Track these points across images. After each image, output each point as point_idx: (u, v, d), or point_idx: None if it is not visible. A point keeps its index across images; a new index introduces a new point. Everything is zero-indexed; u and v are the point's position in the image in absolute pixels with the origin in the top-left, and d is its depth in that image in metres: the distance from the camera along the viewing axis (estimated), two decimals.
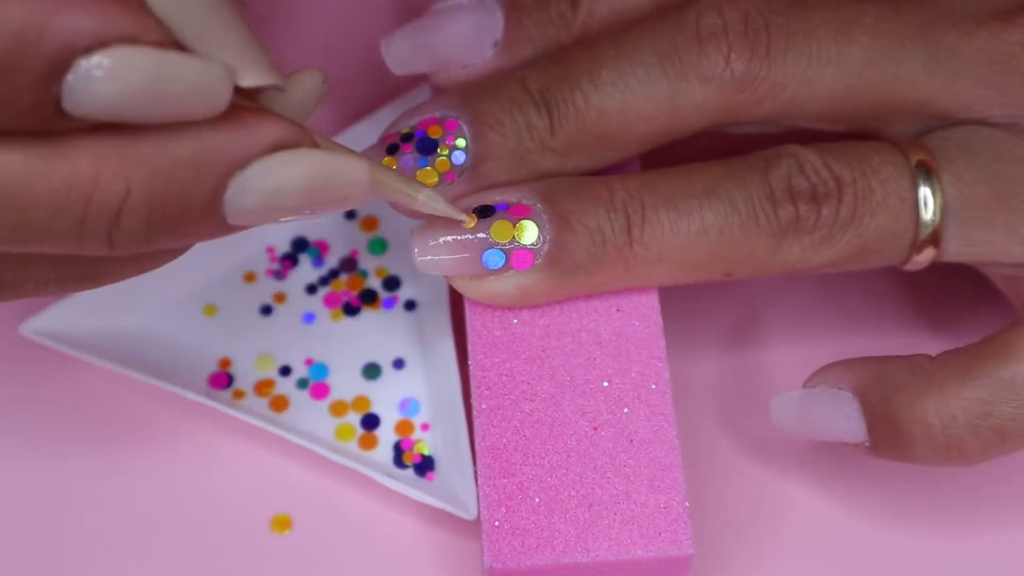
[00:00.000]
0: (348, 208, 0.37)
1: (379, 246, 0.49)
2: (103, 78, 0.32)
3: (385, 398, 0.47)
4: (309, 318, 0.48)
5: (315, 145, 0.36)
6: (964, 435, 0.41)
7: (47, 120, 0.33)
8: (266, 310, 0.48)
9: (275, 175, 0.35)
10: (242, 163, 0.35)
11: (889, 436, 0.41)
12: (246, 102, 0.36)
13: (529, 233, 0.42)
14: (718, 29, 0.42)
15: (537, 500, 0.41)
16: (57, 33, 0.31)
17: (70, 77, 0.32)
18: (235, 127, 0.35)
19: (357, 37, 0.53)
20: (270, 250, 0.49)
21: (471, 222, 0.42)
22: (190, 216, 0.35)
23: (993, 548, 0.45)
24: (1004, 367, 0.41)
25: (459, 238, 0.42)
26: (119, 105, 0.33)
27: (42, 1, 0.31)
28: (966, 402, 0.41)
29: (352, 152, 0.37)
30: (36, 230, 0.34)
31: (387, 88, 0.50)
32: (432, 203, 0.40)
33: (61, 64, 0.32)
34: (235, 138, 0.35)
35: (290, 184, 0.36)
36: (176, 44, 0.33)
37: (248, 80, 0.35)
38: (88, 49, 0.32)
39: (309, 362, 0.47)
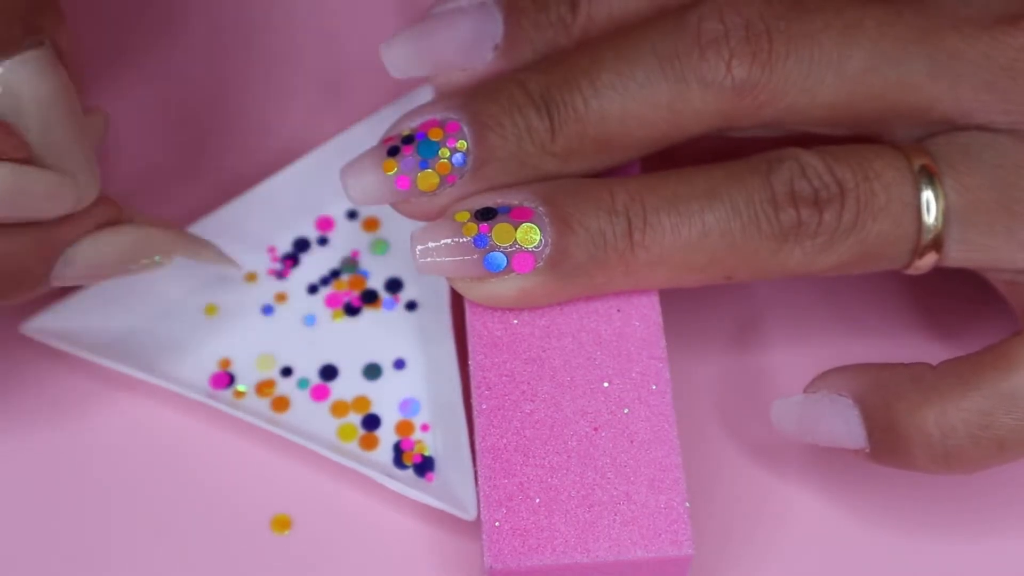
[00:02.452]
0: (158, 269, 0.45)
1: (380, 247, 0.49)
2: None
3: (386, 398, 0.47)
4: (310, 318, 0.48)
5: (130, 219, 0.44)
6: (963, 445, 0.41)
7: None
8: (267, 310, 0.48)
9: (96, 253, 0.43)
10: (71, 242, 0.42)
11: (889, 444, 0.42)
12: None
13: (530, 236, 0.42)
14: (719, 34, 0.42)
15: (537, 500, 0.41)
16: None
17: None
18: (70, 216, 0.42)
19: (357, 38, 0.53)
20: (271, 250, 0.49)
21: (240, 268, 0.48)
22: (23, 285, 0.42)
23: (993, 554, 0.45)
24: (1004, 378, 0.41)
25: (460, 240, 0.42)
26: None
27: None
28: (966, 412, 0.41)
29: (156, 222, 0.44)
30: None
31: (387, 89, 0.50)
32: (217, 258, 0.46)
33: None
34: (72, 222, 0.42)
35: (107, 259, 0.43)
36: (34, 160, 0.40)
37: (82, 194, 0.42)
38: None
39: (310, 362, 0.47)
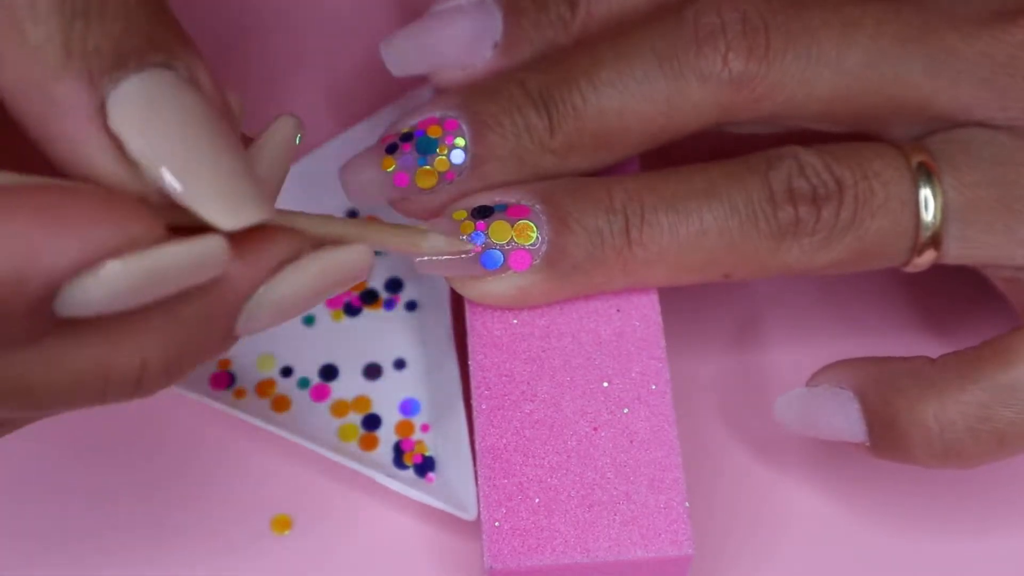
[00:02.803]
0: (348, 284, 0.37)
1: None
2: (90, 296, 0.31)
3: (386, 398, 0.47)
4: (310, 318, 0.48)
5: (314, 245, 0.36)
6: (963, 439, 0.41)
7: (38, 336, 0.32)
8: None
9: (282, 296, 0.35)
10: (250, 292, 0.35)
11: (888, 437, 0.42)
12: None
13: (527, 234, 0.42)
14: (716, 29, 0.42)
15: (537, 500, 0.41)
16: (45, 270, 0.31)
17: (58, 301, 0.31)
18: (238, 265, 0.34)
19: (357, 38, 0.53)
20: None
21: (473, 247, 0.42)
22: (205, 355, 0.35)
23: (994, 552, 0.45)
24: (1003, 372, 0.41)
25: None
26: (113, 306, 0.32)
27: (24, 239, 0.31)
28: (965, 406, 0.41)
29: (350, 230, 0.37)
30: (57, 405, 0.34)
31: (387, 89, 0.50)
32: (437, 246, 0.41)
33: (49, 294, 0.31)
34: (239, 276, 0.34)
35: (298, 296, 0.35)
36: (164, 224, 0.32)
37: (235, 223, 0.34)
38: (76, 272, 0.31)
39: (310, 362, 0.47)
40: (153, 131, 0.33)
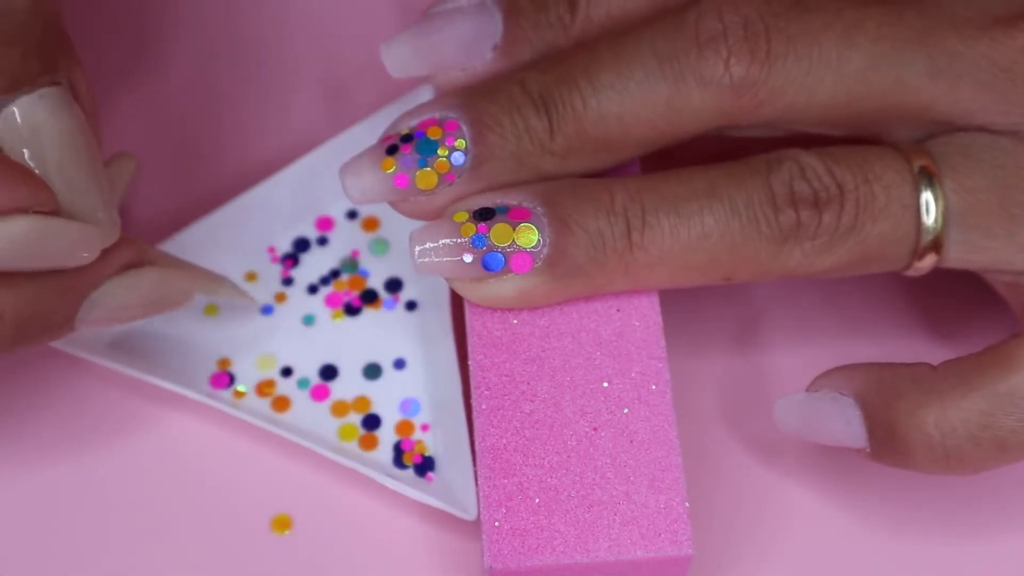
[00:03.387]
0: (178, 309, 0.45)
1: (380, 247, 0.49)
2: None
3: (386, 398, 0.47)
4: (310, 318, 0.48)
5: (154, 262, 0.44)
6: (964, 446, 0.41)
7: None
8: (267, 310, 0.48)
9: (120, 296, 0.43)
10: (97, 283, 0.42)
11: (889, 444, 0.42)
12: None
13: (529, 236, 0.42)
14: (717, 33, 0.42)
15: (537, 500, 0.41)
16: None
17: None
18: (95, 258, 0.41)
19: (357, 38, 0.53)
20: (271, 250, 0.49)
21: (255, 301, 0.48)
22: (47, 331, 0.42)
23: (994, 555, 0.45)
24: (1004, 379, 0.41)
25: (458, 240, 0.42)
26: (7, 260, 0.39)
27: None
28: (966, 413, 0.41)
29: (177, 263, 0.45)
30: None
31: (387, 89, 0.50)
32: (233, 293, 0.47)
33: None
34: (96, 265, 0.42)
35: (130, 301, 0.43)
36: (59, 209, 0.40)
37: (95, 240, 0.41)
38: None
39: (310, 362, 0.47)
40: (35, 146, 0.40)
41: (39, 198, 0.39)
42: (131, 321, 0.44)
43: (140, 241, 0.44)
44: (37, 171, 0.40)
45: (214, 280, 0.46)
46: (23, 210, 0.39)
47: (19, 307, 0.40)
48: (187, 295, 0.45)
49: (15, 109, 0.40)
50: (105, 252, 0.42)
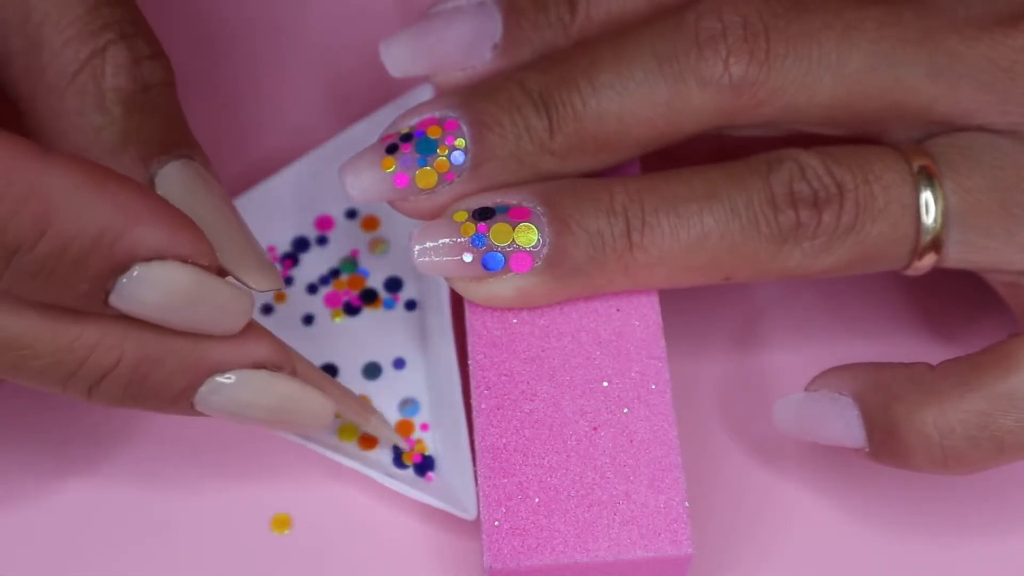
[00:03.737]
0: (307, 433, 0.43)
1: (380, 246, 0.49)
2: (153, 287, 0.37)
3: (385, 398, 0.46)
4: (310, 318, 0.48)
5: (294, 372, 0.41)
6: (962, 446, 0.41)
7: (91, 306, 0.37)
8: (266, 309, 0.48)
9: (247, 390, 0.40)
10: (224, 369, 0.40)
11: (888, 444, 0.42)
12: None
13: (528, 236, 0.42)
14: (717, 32, 0.42)
15: (537, 500, 0.41)
16: (129, 242, 0.36)
17: (124, 279, 0.36)
18: (231, 337, 0.39)
19: (357, 37, 0.53)
20: (271, 249, 0.49)
21: (405, 446, 0.45)
22: (163, 397, 0.39)
23: (994, 554, 0.45)
24: (1003, 379, 0.41)
25: (458, 240, 0.42)
26: (157, 311, 0.37)
27: (125, 210, 0.36)
28: (965, 414, 0.41)
29: (325, 383, 0.43)
30: (31, 372, 0.39)
31: (387, 88, 0.50)
32: (380, 430, 0.45)
33: (123, 267, 0.36)
34: (226, 347, 0.39)
35: (257, 402, 0.40)
36: (219, 268, 0.38)
37: (262, 287, 0.40)
38: (148, 259, 0.36)
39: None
40: (193, 203, 0.40)
41: (200, 248, 0.37)
42: (251, 424, 0.41)
43: (291, 349, 0.41)
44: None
45: (362, 411, 0.44)
46: (182, 258, 0.37)
47: (139, 360, 0.39)
48: (322, 421, 0.42)
49: (172, 171, 0.40)
50: (244, 339, 0.40)
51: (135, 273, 0.36)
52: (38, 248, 0.35)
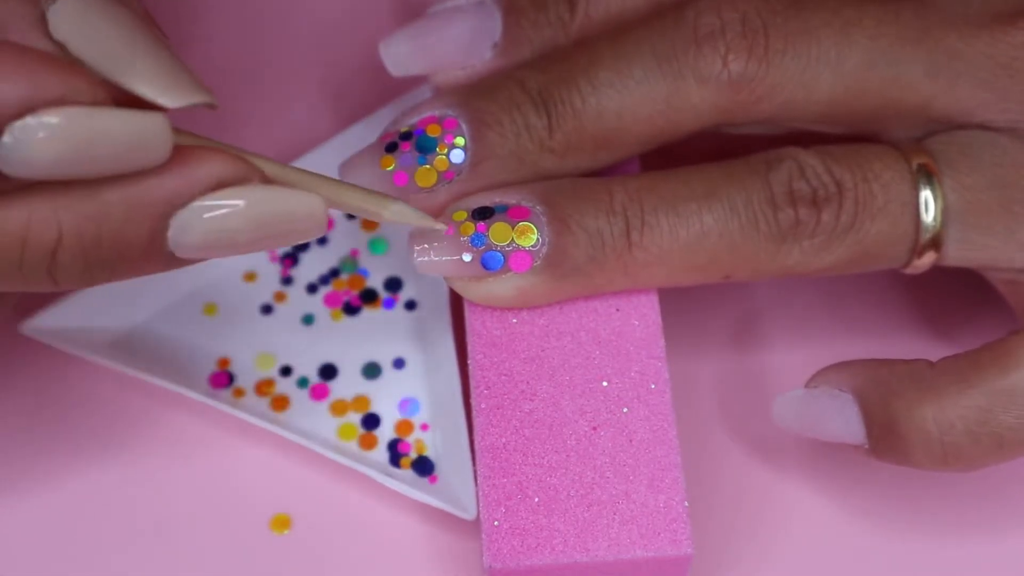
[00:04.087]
0: (310, 239, 0.38)
1: (380, 246, 0.49)
2: (34, 142, 0.33)
3: (385, 398, 0.47)
4: (309, 317, 0.48)
5: (264, 180, 0.37)
6: (962, 442, 0.41)
7: None
8: (266, 309, 0.48)
9: (215, 213, 0.36)
10: (180, 203, 0.36)
11: (887, 440, 0.42)
12: (189, 140, 0.36)
13: (528, 235, 0.42)
14: (716, 29, 0.42)
15: (537, 500, 0.41)
16: None
17: (2, 142, 0.33)
18: (170, 168, 0.36)
19: (357, 37, 0.53)
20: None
21: (444, 228, 0.42)
22: (130, 253, 0.36)
23: (994, 553, 0.45)
24: (1003, 376, 0.41)
25: (458, 240, 0.42)
26: (55, 166, 0.34)
27: None
28: (964, 410, 0.41)
29: (308, 180, 0.38)
30: None
31: (387, 88, 0.50)
32: (401, 216, 0.40)
33: None
34: (169, 179, 0.36)
35: (236, 225, 0.37)
36: (110, 96, 0.34)
37: (177, 102, 0.36)
38: (17, 115, 0.33)
39: (309, 361, 0.47)
40: (92, 33, 0.36)
41: (74, 85, 0.34)
42: (248, 251, 0.38)
43: (251, 153, 0.37)
44: (95, 58, 0.35)
45: (362, 198, 0.39)
46: (56, 102, 0.34)
47: (80, 223, 0.36)
48: (315, 221, 0.38)
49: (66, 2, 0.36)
50: (187, 163, 0.36)
51: (10, 135, 0.34)
52: None
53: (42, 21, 0.36)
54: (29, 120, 0.33)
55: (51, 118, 0.34)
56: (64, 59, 0.34)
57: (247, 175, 0.37)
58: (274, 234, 0.37)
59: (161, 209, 0.36)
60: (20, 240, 0.35)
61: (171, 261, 0.37)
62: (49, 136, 0.34)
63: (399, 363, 0.47)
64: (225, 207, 0.36)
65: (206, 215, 0.36)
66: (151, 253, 0.37)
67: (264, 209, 0.37)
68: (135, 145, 0.35)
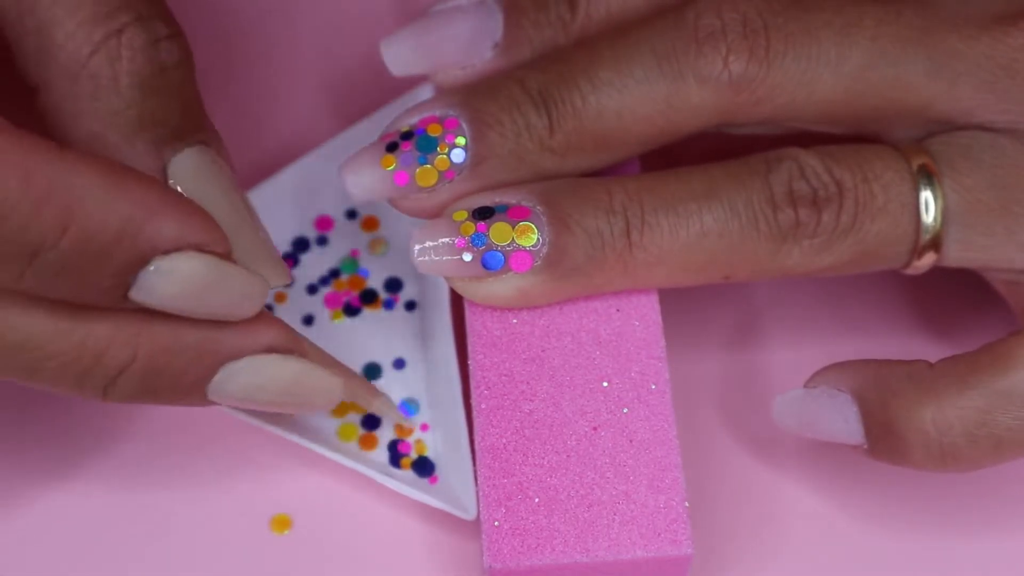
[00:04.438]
0: (316, 412, 0.43)
1: (380, 246, 0.49)
2: (173, 278, 0.37)
3: None
4: (309, 318, 0.48)
5: (304, 354, 0.41)
6: (960, 443, 0.41)
7: (111, 301, 0.37)
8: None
9: (260, 375, 0.41)
10: (237, 356, 0.40)
11: (886, 441, 0.42)
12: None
13: (528, 235, 0.42)
14: (716, 30, 0.42)
15: (537, 500, 0.41)
16: (149, 234, 0.36)
17: (144, 272, 0.37)
18: (242, 324, 0.40)
19: (357, 37, 0.53)
20: None
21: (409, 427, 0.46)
22: (176, 389, 0.40)
23: (994, 554, 0.45)
24: (1002, 377, 0.41)
25: (459, 240, 0.42)
26: (176, 301, 0.38)
27: (143, 204, 0.36)
28: (963, 411, 0.41)
29: (332, 364, 0.43)
30: (46, 374, 0.39)
31: (387, 88, 0.50)
32: (384, 410, 0.45)
33: (144, 260, 0.37)
34: (240, 334, 0.40)
35: (269, 385, 0.41)
36: (231, 253, 0.39)
37: (274, 283, 0.41)
38: (168, 251, 0.37)
39: None
40: (205, 193, 0.40)
41: (214, 236, 0.38)
42: (264, 409, 0.42)
43: (296, 332, 0.42)
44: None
45: (368, 392, 0.45)
46: (198, 248, 0.38)
47: (154, 353, 0.39)
48: (332, 399, 0.43)
49: (186, 159, 0.41)
50: (254, 326, 0.40)
51: (154, 266, 0.37)
52: (61, 245, 0.36)
53: (163, 173, 0.41)
54: (177, 258, 0.37)
55: (193, 262, 0.37)
56: (206, 212, 0.38)
57: (293, 347, 0.41)
58: (294, 401, 0.42)
59: (222, 359, 0.40)
60: (96, 355, 0.38)
61: (201, 400, 0.41)
62: (185, 277, 0.37)
63: (399, 363, 0.47)
64: (268, 369, 0.41)
65: (251, 372, 0.40)
66: (194, 391, 0.40)
67: (297, 381, 0.41)
68: (242, 300, 0.39)
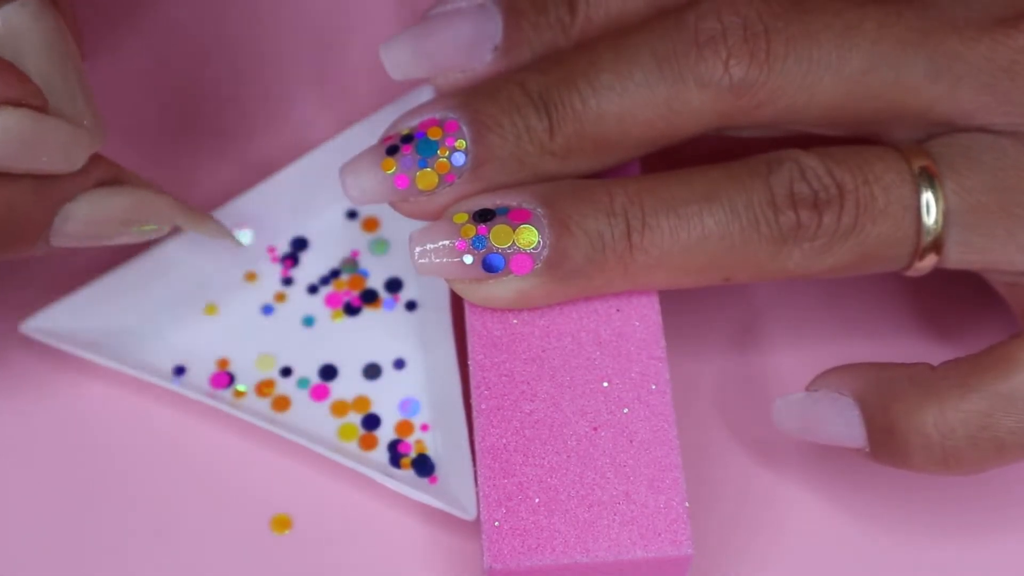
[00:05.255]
0: (158, 234, 0.44)
1: (380, 247, 0.49)
2: None
3: (385, 398, 0.47)
4: (310, 318, 0.48)
5: (127, 181, 0.43)
6: (962, 447, 0.41)
7: None
8: (267, 310, 0.48)
9: (95, 207, 0.42)
10: (71, 196, 0.42)
11: (888, 444, 0.42)
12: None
13: (529, 237, 0.42)
14: (717, 33, 0.42)
15: (537, 500, 0.41)
16: None
17: None
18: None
19: (357, 39, 0.53)
20: (271, 250, 0.49)
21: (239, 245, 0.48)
22: (20, 238, 0.41)
23: (994, 555, 0.45)
24: (1004, 380, 0.41)
25: (459, 242, 0.42)
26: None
27: None
28: (965, 414, 0.41)
29: (163, 194, 0.44)
30: None
31: (387, 89, 0.50)
32: (215, 232, 0.46)
33: None
34: (70, 176, 0.41)
35: (107, 212, 0.42)
36: (49, 108, 0.39)
37: (96, 139, 0.42)
38: None
39: (309, 362, 0.47)
40: (22, 48, 0.40)
41: (28, 89, 0.39)
42: (108, 241, 0.43)
43: (119, 164, 0.43)
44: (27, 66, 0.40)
45: (195, 214, 0.45)
46: (14, 102, 0.38)
47: None
48: (165, 219, 0.44)
49: (3, 14, 0.40)
50: (88, 165, 0.41)
51: None
52: None
53: None
54: None
55: (8, 116, 0.38)
56: (17, 67, 0.39)
57: (121, 178, 0.43)
58: (134, 226, 0.43)
59: (59, 200, 0.41)
60: None
61: (43, 248, 0.42)
62: (3, 131, 0.38)
63: (399, 363, 0.47)
64: (104, 200, 0.42)
65: (89, 206, 0.42)
66: (38, 236, 0.41)
67: (133, 204, 0.43)
68: (65, 151, 0.40)
